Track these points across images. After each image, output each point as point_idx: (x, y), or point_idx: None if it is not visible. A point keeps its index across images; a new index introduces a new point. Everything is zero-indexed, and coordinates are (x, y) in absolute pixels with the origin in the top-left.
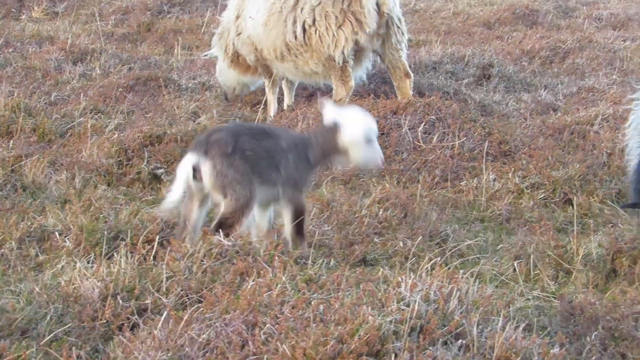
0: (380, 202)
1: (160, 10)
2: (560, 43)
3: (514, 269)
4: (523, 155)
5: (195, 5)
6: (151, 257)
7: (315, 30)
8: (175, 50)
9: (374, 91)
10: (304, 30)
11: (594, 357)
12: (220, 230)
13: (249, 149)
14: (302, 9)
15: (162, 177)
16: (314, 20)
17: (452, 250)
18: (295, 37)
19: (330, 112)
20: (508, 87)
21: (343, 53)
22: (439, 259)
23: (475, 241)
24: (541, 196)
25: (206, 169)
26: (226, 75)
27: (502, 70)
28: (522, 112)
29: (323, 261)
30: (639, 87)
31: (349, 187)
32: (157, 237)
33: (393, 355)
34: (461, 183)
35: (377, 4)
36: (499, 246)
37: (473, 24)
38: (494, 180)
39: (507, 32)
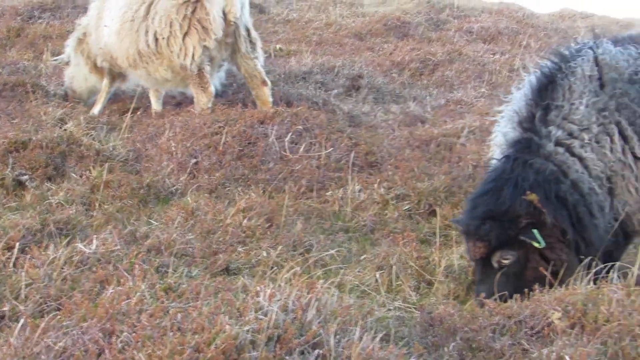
0: (245, 212)
1: (31, 16)
2: (430, 55)
3: (376, 280)
4: (389, 166)
5: (66, 11)
6: (11, 264)
7: (165, 39)
8: (44, 56)
9: (243, 100)
10: (156, 39)
11: None
12: None
13: None
14: (152, 18)
15: (27, 183)
16: (162, 29)
17: (315, 260)
18: (148, 46)
19: None
20: (377, 98)
21: (194, 61)
22: (298, 268)
23: (339, 251)
24: (406, 207)
25: None
26: (83, 80)
27: (371, 82)
28: (390, 123)
29: (184, 270)
30: (507, 100)
31: (214, 196)
32: (18, 243)
33: None
34: (327, 193)
35: (223, 12)
36: (363, 257)
37: (345, 35)
38: (360, 191)
39: (378, 44)
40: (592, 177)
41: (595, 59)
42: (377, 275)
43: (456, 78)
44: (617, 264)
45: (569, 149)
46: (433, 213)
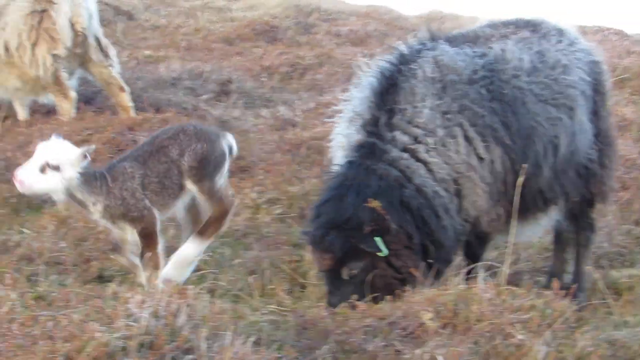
0: None
1: None
2: (299, 59)
3: (249, 284)
4: (260, 170)
5: None
6: None
7: (16, 49)
8: None
9: (111, 107)
10: (7, 49)
11: None
12: None
13: None
14: (2, 28)
15: None
16: (11, 39)
17: None
18: None
19: None
20: (247, 103)
21: (47, 69)
22: None
23: (211, 256)
24: (278, 211)
25: None
26: None
27: (241, 86)
28: (260, 127)
29: (56, 278)
30: (345, 99)
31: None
32: None
33: None
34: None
35: (70, 22)
36: (236, 261)
37: (213, 40)
38: (232, 196)
39: (247, 48)
40: (436, 180)
41: (435, 60)
42: (251, 280)
43: (326, 81)
44: (487, 263)
45: (414, 154)
46: (305, 216)
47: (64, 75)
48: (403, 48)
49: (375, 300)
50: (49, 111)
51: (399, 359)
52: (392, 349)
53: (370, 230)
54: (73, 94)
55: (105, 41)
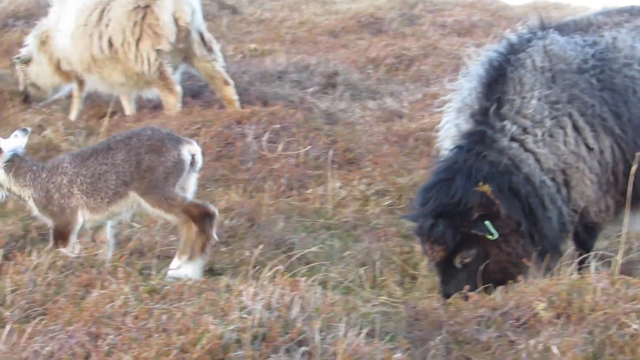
0: (226, 212)
1: (5, 24)
2: (405, 50)
3: (360, 276)
4: (368, 162)
5: (39, 18)
6: None
7: (121, 45)
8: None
9: (219, 101)
10: (111, 44)
11: None
12: None
13: None
14: (106, 24)
15: None
16: (116, 35)
17: (299, 258)
18: (102, 51)
19: None
20: (354, 95)
21: (152, 65)
22: (281, 266)
23: (322, 248)
24: (387, 203)
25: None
26: (49, 77)
27: (347, 79)
28: (367, 119)
29: (168, 271)
30: (454, 89)
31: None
32: (1, 250)
33: None
34: (307, 191)
35: (174, 17)
36: (346, 253)
37: (318, 33)
38: (340, 187)
39: (352, 41)
40: (543, 170)
41: (545, 50)
42: (361, 271)
43: (432, 72)
44: (600, 252)
45: (523, 144)
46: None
47: (168, 70)
48: (513, 37)
49: (489, 289)
50: (156, 106)
51: (512, 350)
52: (506, 339)
53: (479, 215)
54: (178, 89)
55: (208, 36)
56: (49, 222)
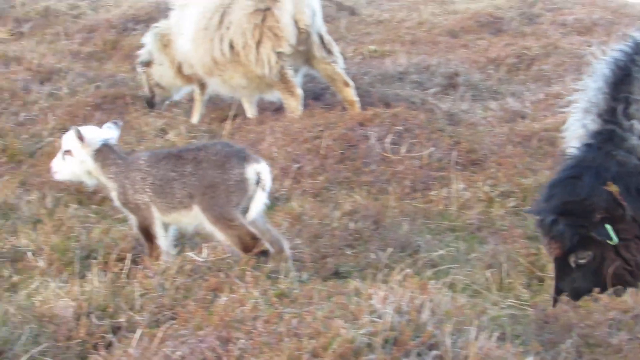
0: (350, 214)
1: (125, 28)
2: (525, 50)
3: (487, 278)
4: (492, 163)
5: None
6: (124, 275)
7: (242, 48)
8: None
9: (341, 103)
10: (232, 47)
11: None
12: None
13: None
14: (227, 27)
15: None
16: (237, 38)
17: (424, 261)
18: (223, 54)
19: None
20: (475, 96)
21: (272, 68)
22: (410, 269)
23: (447, 251)
24: (512, 204)
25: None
26: (172, 78)
27: (468, 79)
28: (489, 120)
29: (295, 275)
30: (579, 87)
31: (319, 200)
32: (129, 254)
33: None
34: (431, 193)
35: (294, 19)
36: (471, 255)
37: (438, 33)
38: (464, 189)
39: (472, 41)
40: None
41: None
42: (488, 274)
43: (553, 72)
44: None
45: None
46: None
47: (289, 72)
48: (638, 36)
49: (602, 291)
50: (278, 108)
51: None
52: (637, 342)
53: (601, 217)
54: (299, 91)
55: (328, 38)
56: (132, 219)
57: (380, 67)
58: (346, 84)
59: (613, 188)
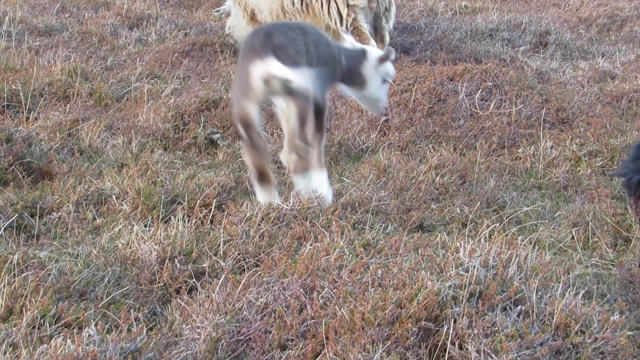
0: (437, 169)
1: None
2: (617, 11)
3: (572, 237)
4: (581, 123)
5: None
6: (208, 221)
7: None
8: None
9: (430, 58)
10: None
11: None
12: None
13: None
14: None
15: (219, 141)
16: None
17: (510, 217)
18: (293, 4)
19: (353, 41)
20: (565, 55)
21: (344, 22)
22: (497, 225)
23: (533, 208)
24: (599, 164)
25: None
26: (243, 30)
27: (559, 38)
28: (579, 79)
29: (380, 226)
30: None
31: (406, 153)
32: (214, 201)
33: (452, 320)
34: (518, 150)
35: None
36: (557, 214)
37: None
38: (552, 147)
39: (564, 0)
40: None
41: None
42: (573, 232)
43: None
44: None
45: None
46: None
47: (363, 25)
48: None
49: None
50: None
51: None
52: None
53: None
54: (373, 44)
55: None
56: None
57: (471, 24)
58: (382, 40)
59: None
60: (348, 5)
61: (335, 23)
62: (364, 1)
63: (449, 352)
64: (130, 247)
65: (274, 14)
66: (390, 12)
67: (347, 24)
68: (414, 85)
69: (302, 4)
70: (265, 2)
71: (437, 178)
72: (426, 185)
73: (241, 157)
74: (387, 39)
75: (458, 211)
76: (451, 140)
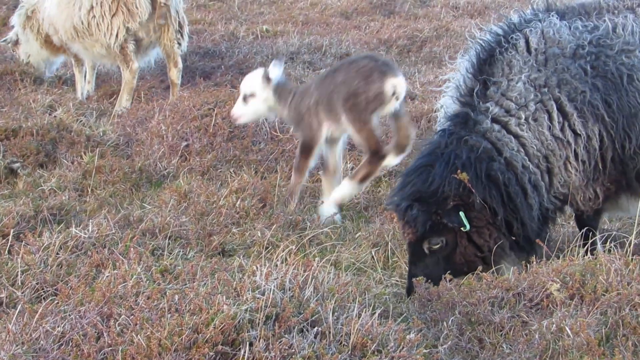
0: (237, 193)
1: (17, 4)
2: (417, 32)
3: (372, 257)
4: None
5: None
6: (6, 251)
7: (93, 18)
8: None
9: (231, 82)
10: (88, 17)
11: (450, 342)
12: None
13: None
14: None
15: (19, 171)
16: (92, 8)
17: (310, 239)
18: (82, 22)
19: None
20: None
21: (117, 40)
22: (294, 247)
23: (333, 229)
24: None
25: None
26: (37, 54)
27: None
28: None
29: (179, 252)
30: (454, 67)
31: (207, 177)
32: (12, 230)
33: (248, 344)
34: (319, 172)
35: None
36: (357, 234)
37: (331, 14)
38: (352, 168)
39: (364, 22)
40: (528, 155)
41: (541, 33)
42: (373, 252)
43: (444, 54)
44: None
45: (505, 127)
46: None
47: (130, 46)
48: (514, 18)
49: (456, 276)
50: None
51: (525, 330)
52: (519, 320)
53: (454, 204)
54: (136, 65)
55: (183, 15)
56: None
57: (272, 47)
58: (176, 65)
59: (463, 176)
60: (126, 27)
61: (110, 42)
62: (139, 25)
63: None
64: None
65: (68, 32)
66: (184, 30)
67: (118, 44)
68: (214, 110)
69: (88, 23)
70: (60, 20)
71: (238, 202)
72: (227, 209)
73: (42, 186)
74: (180, 64)
75: (259, 234)
76: (252, 163)
